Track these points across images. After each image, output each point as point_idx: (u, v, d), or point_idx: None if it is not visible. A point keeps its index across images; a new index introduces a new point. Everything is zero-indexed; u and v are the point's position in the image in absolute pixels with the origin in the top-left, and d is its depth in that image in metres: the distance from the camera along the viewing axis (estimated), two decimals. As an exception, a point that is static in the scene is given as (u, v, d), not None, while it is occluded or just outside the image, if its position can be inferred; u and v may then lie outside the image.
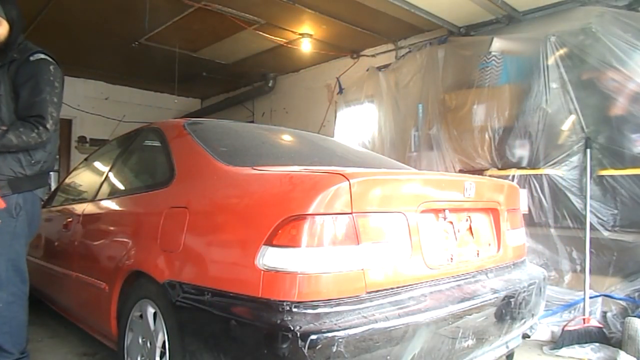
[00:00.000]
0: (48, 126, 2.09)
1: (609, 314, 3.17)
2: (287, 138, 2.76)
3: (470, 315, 1.64)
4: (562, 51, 3.46)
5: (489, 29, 4.25)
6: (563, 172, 3.40)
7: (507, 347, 2.01)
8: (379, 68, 5.09)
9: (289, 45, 5.30)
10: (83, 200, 2.87)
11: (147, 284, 1.90)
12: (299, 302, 1.34)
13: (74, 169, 3.80)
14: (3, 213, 2.09)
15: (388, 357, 1.38)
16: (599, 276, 3.25)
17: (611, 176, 3.23)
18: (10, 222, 2.12)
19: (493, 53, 3.85)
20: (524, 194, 3.37)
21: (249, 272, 1.43)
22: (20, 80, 2.10)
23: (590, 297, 3.16)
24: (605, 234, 3.23)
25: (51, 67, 2.16)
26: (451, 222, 1.85)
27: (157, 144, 2.36)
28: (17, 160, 2.12)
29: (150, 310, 1.87)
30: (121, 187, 2.71)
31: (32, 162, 2.16)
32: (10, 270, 2.12)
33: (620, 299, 3.15)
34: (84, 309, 2.63)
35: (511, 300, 1.85)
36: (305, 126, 5.55)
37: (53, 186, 3.62)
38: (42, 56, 2.16)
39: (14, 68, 2.12)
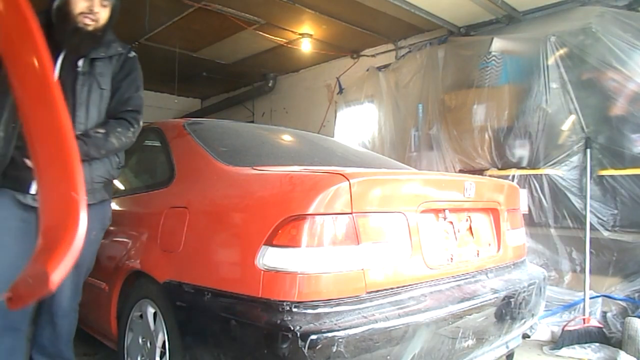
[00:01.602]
0: (141, 123, 1.98)
1: (609, 314, 3.17)
2: (287, 138, 2.76)
3: (470, 315, 1.64)
4: (562, 51, 3.46)
5: (489, 29, 4.25)
6: (563, 172, 3.39)
7: (507, 347, 2.01)
8: (379, 68, 5.09)
9: (289, 45, 5.30)
10: (83, 200, 2.86)
11: (147, 284, 1.90)
12: (299, 302, 1.34)
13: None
14: (98, 225, 1.96)
15: (388, 357, 1.38)
16: (599, 276, 3.25)
17: (611, 176, 3.23)
18: (100, 235, 2.01)
19: (493, 53, 3.85)
20: (524, 194, 3.37)
21: (249, 272, 1.43)
22: (121, 75, 1.96)
23: (591, 298, 3.16)
24: (605, 234, 3.22)
25: (139, 66, 2.06)
26: (451, 222, 1.85)
27: (157, 144, 2.36)
28: (109, 160, 1.94)
29: (150, 310, 1.87)
30: (121, 187, 2.71)
31: (119, 163, 2.01)
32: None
33: (620, 300, 3.15)
34: (83, 308, 2.62)
35: (511, 300, 1.85)
36: (305, 126, 5.55)
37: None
38: (135, 53, 2.05)
39: (118, 63, 1.96)
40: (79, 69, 1.84)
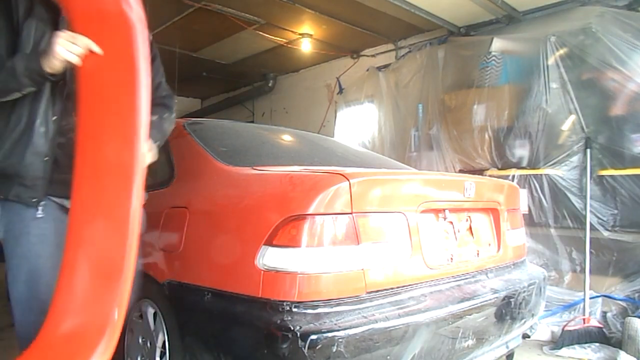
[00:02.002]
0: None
1: (609, 314, 3.17)
2: (287, 138, 2.76)
3: (470, 315, 1.64)
4: (562, 51, 3.46)
5: (489, 29, 4.25)
6: (563, 172, 3.39)
7: (507, 347, 2.01)
8: (379, 68, 5.08)
9: (289, 45, 5.30)
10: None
11: (147, 284, 1.89)
12: (299, 302, 1.34)
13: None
14: None
15: (388, 357, 1.38)
16: (599, 276, 3.25)
17: (611, 176, 3.22)
18: None
19: (493, 53, 3.85)
20: (524, 194, 3.37)
21: (249, 272, 1.43)
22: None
23: (591, 298, 3.16)
24: (605, 234, 3.22)
25: None
26: (451, 222, 1.85)
27: (157, 144, 2.35)
28: None
29: (150, 310, 1.87)
30: (121, 187, 2.71)
31: None
32: None
33: (620, 300, 3.15)
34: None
35: (511, 300, 1.85)
36: (305, 126, 5.54)
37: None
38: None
39: None
40: None
